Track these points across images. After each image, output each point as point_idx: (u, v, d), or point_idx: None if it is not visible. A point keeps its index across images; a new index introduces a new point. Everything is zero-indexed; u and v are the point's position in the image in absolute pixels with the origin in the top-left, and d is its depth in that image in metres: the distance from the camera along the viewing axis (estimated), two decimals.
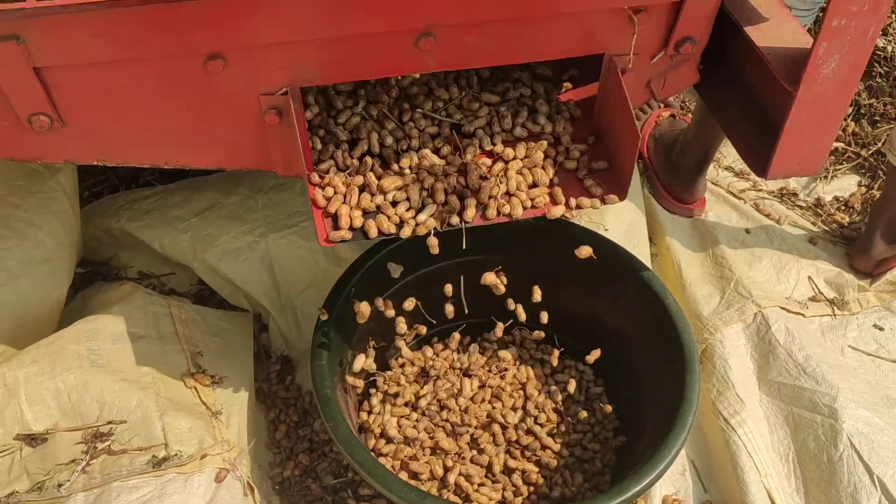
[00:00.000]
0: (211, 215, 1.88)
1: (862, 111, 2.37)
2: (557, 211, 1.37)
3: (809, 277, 1.97)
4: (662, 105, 2.36)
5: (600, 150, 1.44)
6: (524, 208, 1.37)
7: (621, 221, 1.94)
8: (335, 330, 1.48)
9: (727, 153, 2.28)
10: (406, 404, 1.62)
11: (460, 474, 1.54)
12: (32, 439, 1.41)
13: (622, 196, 1.36)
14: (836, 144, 2.30)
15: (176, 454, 1.43)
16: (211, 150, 1.28)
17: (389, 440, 1.56)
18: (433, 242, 1.34)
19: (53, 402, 1.46)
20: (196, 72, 1.14)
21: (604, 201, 1.38)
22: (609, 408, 1.66)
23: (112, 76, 1.12)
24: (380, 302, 1.49)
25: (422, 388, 1.65)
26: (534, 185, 1.40)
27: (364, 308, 1.43)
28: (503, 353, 1.71)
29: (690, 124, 2.05)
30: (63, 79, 1.11)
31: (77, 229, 1.75)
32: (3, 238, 1.60)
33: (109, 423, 1.45)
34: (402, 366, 1.68)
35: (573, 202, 1.38)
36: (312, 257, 1.84)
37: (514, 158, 1.41)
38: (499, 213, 1.35)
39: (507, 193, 1.38)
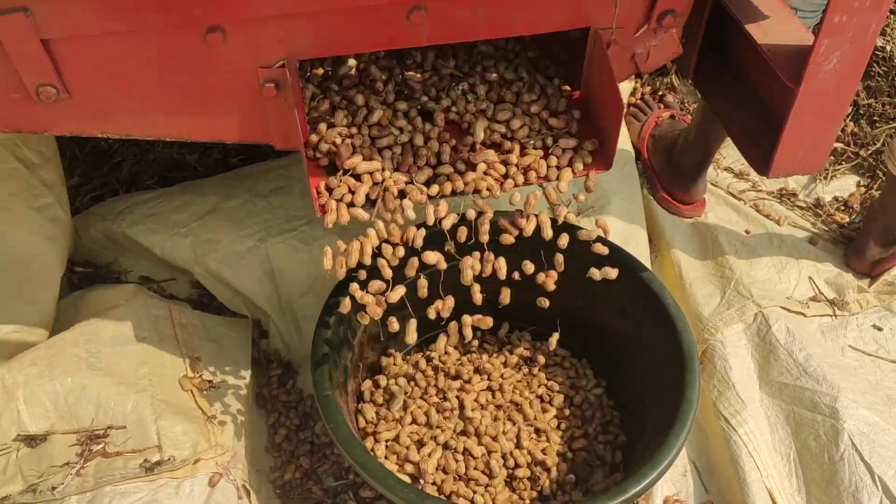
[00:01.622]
0: (211, 220, 1.88)
1: (861, 111, 2.38)
2: (550, 180, 1.39)
3: (810, 278, 1.97)
4: (662, 106, 2.37)
5: (586, 123, 1.45)
6: (516, 183, 1.38)
7: (620, 222, 1.94)
8: (335, 332, 1.48)
9: (726, 154, 2.28)
10: (406, 407, 1.63)
11: (460, 477, 1.54)
12: (31, 440, 1.42)
13: (608, 166, 1.38)
14: (835, 144, 2.31)
15: (169, 458, 1.43)
16: (211, 123, 1.29)
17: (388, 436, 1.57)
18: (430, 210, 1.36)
19: (51, 404, 1.46)
20: (196, 44, 1.15)
21: (590, 170, 1.39)
22: (609, 402, 1.67)
23: (116, 48, 1.13)
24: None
25: (423, 390, 1.65)
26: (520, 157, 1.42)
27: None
28: (504, 354, 1.71)
29: (691, 125, 2.06)
30: (69, 50, 1.12)
31: (67, 223, 1.76)
32: None
33: (109, 427, 1.45)
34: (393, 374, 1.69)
35: (560, 173, 1.39)
36: (312, 261, 1.83)
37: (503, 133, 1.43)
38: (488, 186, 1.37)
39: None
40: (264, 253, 1.83)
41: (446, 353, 1.72)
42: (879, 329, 1.88)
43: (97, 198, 2.09)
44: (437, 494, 1.52)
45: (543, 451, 1.59)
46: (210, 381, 1.62)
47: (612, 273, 1.43)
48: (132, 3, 1.08)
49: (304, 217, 1.88)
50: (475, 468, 1.55)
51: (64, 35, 1.10)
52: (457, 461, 1.55)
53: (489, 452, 1.57)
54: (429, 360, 1.72)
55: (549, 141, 1.42)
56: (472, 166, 1.38)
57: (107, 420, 1.46)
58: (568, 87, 1.50)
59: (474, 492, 1.53)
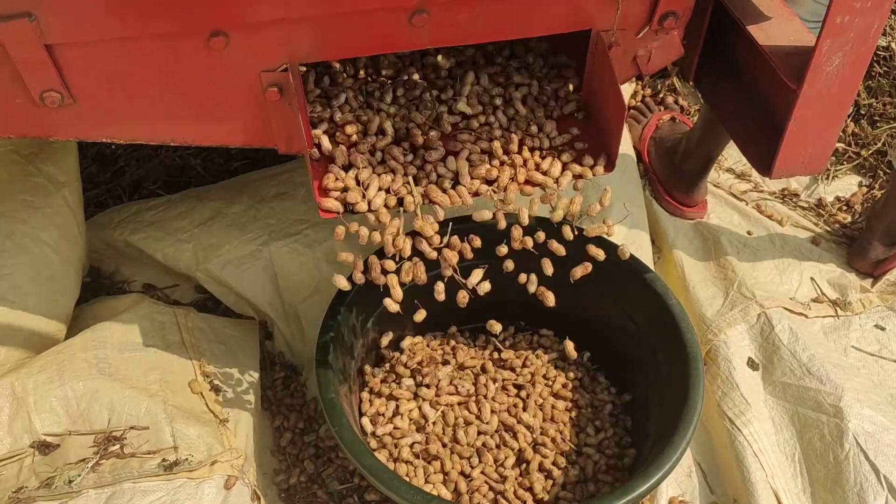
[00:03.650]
0: (213, 225, 1.89)
1: (861, 111, 2.38)
2: (550, 178, 1.38)
3: (812, 278, 1.97)
4: (662, 108, 2.37)
5: (588, 124, 1.46)
6: (517, 182, 1.38)
7: (623, 224, 1.94)
8: (339, 335, 1.48)
9: (728, 155, 2.28)
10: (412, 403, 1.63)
11: (467, 478, 1.54)
12: (45, 447, 1.41)
13: (610, 167, 1.38)
14: (836, 145, 2.31)
15: (187, 459, 1.43)
16: (215, 127, 1.29)
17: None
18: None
19: (62, 409, 1.46)
20: (199, 49, 1.15)
21: (592, 172, 1.39)
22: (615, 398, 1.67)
23: (120, 53, 1.14)
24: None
25: (430, 390, 1.65)
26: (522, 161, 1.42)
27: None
28: (509, 357, 1.72)
29: (695, 128, 2.06)
30: (74, 56, 1.13)
31: (82, 245, 1.75)
32: (11, 254, 1.59)
33: (131, 427, 1.45)
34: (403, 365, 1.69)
35: (562, 173, 1.40)
36: (315, 265, 1.84)
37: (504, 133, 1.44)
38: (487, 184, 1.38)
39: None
40: (267, 257, 1.84)
41: (454, 355, 1.72)
42: (882, 329, 1.88)
43: (100, 204, 2.10)
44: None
45: (550, 452, 1.59)
46: (219, 385, 1.62)
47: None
48: (136, 8, 1.08)
49: (307, 221, 1.88)
50: (483, 471, 1.56)
51: (68, 40, 1.10)
52: (463, 463, 1.56)
53: (497, 454, 1.57)
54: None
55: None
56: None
57: (121, 424, 1.46)
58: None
59: (483, 492, 1.54)
